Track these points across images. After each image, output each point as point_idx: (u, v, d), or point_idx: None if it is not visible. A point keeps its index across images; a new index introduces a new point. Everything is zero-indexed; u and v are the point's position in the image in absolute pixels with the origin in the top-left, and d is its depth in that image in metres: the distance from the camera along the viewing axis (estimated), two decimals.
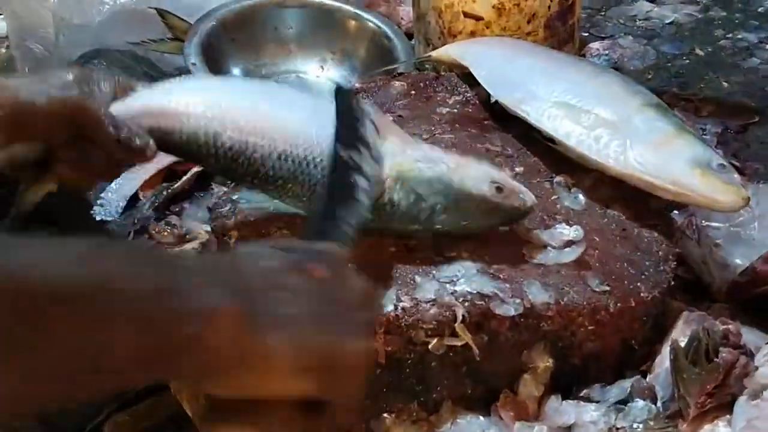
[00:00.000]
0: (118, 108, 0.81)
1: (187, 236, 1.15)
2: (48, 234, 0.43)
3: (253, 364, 0.49)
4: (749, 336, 0.87)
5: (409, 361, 0.82)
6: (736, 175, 0.91)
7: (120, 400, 0.91)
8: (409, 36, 1.44)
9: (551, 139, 0.99)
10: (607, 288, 0.85)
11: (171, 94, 0.85)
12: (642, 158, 0.92)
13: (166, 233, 1.15)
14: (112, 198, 1.22)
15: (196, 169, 1.20)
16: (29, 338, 0.40)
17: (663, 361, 0.86)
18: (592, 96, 1.00)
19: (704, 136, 1.24)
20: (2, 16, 1.58)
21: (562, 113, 0.98)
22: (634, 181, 0.93)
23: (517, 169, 0.99)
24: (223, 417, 0.52)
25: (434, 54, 1.24)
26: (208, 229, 1.14)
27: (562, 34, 1.30)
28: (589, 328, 0.84)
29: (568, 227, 0.90)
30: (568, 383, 0.87)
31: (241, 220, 0.92)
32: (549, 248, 0.88)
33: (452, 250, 0.86)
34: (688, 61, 1.47)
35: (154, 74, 1.40)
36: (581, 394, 0.86)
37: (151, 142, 0.79)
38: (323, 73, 1.47)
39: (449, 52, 1.20)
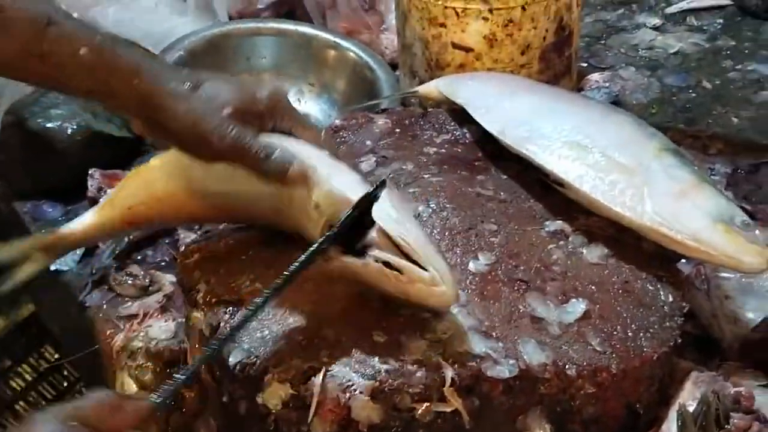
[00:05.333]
0: None
1: (150, 287, 1.16)
2: None
3: None
4: (763, 399, 0.88)
5: (394, 429, 0.82)
6: (758, 232, 0.91)
7: None
8: (394, 66, 1.46)
9: (560, 183, 0.99)
10: (609, 347, 0.86)
11: None
12: (660, 209, 0.92)
13: (127, 284, 1.16)
14: None
15: None
16: None
17: (670, 427, 0.87)
18: (604, 137, 1.00)
19: (713, 177, 1.25)
20: None
21: (573, 154, 0.99)
22: (649, 233, 0.93)
23: (510, 213, 1.00)
24: None
25: (421, 89, 1.25)
26: (173, 279, 1.15)
27: (559, 67, 1.32)
28: (590, 391, 0.85)
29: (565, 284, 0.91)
30: None
31: (209, 270, 0.93)
32: (548, 303, 0.89)
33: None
34: (694, 94, 1.49)
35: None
36: None
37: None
38: (300, 106, 1.49)
39: (440, 87, 1.21)
